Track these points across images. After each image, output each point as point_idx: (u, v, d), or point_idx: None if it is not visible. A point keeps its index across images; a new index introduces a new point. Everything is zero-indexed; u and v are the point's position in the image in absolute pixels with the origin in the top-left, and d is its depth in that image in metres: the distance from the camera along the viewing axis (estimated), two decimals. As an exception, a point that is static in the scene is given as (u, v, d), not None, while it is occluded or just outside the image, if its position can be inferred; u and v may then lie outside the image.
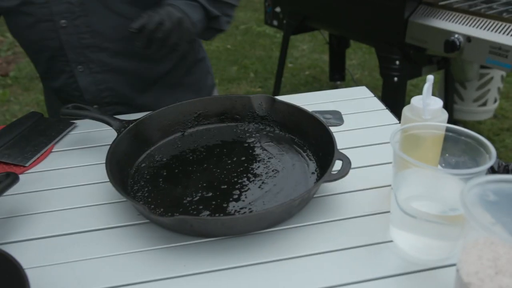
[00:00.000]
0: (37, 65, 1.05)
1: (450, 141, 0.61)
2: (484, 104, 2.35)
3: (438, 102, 0.66)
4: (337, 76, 3.06)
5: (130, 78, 1.02)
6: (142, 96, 1.06)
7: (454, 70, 2.16)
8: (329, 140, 0.73)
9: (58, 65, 0.99)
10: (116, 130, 0.79)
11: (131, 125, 0.80)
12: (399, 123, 0.81)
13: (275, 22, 2.81)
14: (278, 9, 2.73)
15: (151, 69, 1.04)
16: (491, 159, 0.53)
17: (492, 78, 2.27)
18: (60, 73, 1.00)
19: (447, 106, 2.31)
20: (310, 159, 0.79)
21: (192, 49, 1.11)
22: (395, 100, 2.03)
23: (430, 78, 0.64)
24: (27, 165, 0.83)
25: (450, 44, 1.71)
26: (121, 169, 0.74)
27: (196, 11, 0.91)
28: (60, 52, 0.96)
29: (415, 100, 0.66)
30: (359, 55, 3.63)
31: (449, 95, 2.31)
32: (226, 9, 0.98)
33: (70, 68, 0.98)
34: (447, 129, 0.61)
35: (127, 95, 1.04)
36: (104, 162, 0.71)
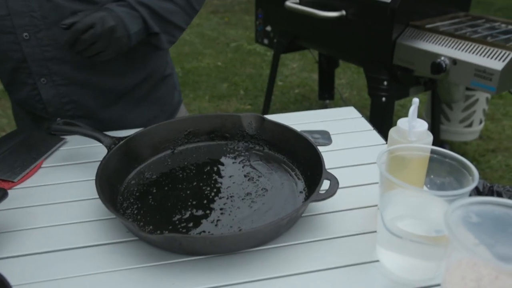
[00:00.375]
0: (1, 76, 1.03)
1: (435, 163, 0.63)
2: (470, 125, 2.40)
3: (424, 125, 0.67)
4: (326, 95, 3.10)
5: (94, 92, 1.01)
6: (107, 110, 1.05)
7: (440, 91, 2.20)
8: (317, 160, 0.74)
9: (21, 77, 0.98)
10: (106, 146, 0.80)
11: (121, 142, 0.80)
12: (386, 143, 0.83)
13: (265, 41, 2.85)
14: (269, 28, 2.76)
15: (116, 83, 1.04)
16: (474, 181, 0.55)
17: (477, 100, 2.32)
18: (23, 85, 0.99)
19: (434, 126, 2.35)
20: (299, 178, 0.80)
21: (159, 65, 1.11)
22: (382, 120, 2.06)
23: (415, 101, 0.66)
24: (15, 180, 0.83)
25: (437, 66, 1.75)
26: (111, 185, 0.74)
27: (136, 22, 0.90)
28: (23, 64, 0.95)
29: (401, 122, 0.68)
30: (348, 74, 3.68)
31: (435, 115, 2.35)
32: (170, 28, 0.97)
33: (33, 81, 0.97)
34: (432, 151, 0.63)
35: (91, 109, 1.03)
36: (94, 178, 0.71)
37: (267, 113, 2.76)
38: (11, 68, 0.97)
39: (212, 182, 0.80)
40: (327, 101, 3.12)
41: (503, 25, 1.94)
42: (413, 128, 0.65)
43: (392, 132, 0.69)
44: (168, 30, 0.97)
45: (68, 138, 0.96)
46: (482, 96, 2.32)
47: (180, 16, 0.98)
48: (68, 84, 0.98)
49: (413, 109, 0.66)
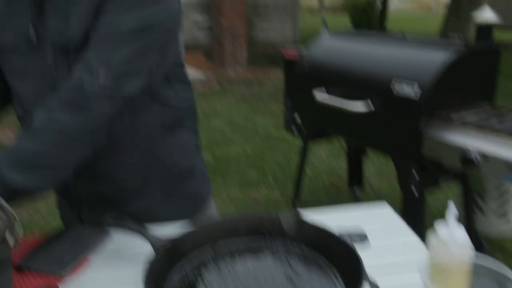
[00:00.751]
0: None
1: (477, 271, 0.64)
2: (505, 216, 2.35)
3: (462, 231, 0.69)
4: (355, 182, 3.12)
5: (120, 184, 1.03)
6: (133, 203, 1.05)
7: (471, 182, 2.19)
8: (357, 264, 0.76)
9: None
10: (153, 246, 0.83)
11: (168, 244, 0.84)
12: (422, 240, 0.84)
13: (294, 128, 2.94)
14: (297, 116, 2.86)
15: (139, 175, 1.03)
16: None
17: (509, 190, 2.30)
18: None
19: (468, 219, 2.30)
20: (337, 280, 0.81)
21: (183, 158, 1.08)
22: (415, 212, 2.04)
23: (452, 210, 0.68)
24: (63, 273, 0.86)
25: (468, 161, 1.76)
26: (157, 285, 0.76)
27: None
28: None
29: (440, 230, 0.69)
30: (376, 163, 3.71)
31: (469, 207, 2.32)
32: (42, 173, 0.85)
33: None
34: (474, 260, 0.64)
35: (118, 201, 1.05)
36: (139, 269, 0.73)
37: (297, 201, 2.79)
38: None
39: (252, 282, 0.81)
40: (356, 189, 3.12)
41: (528, 116, 1.97)
42: (452, 236, 0.67)
43: (431, 238, 0.71)
44: (40, 175, 0.85)
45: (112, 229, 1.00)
46: (514, 187, 2.30)
47: (52, 157, 0.85)
48: (94, 178, 1.01)
49: (450, 216, 0.68)
